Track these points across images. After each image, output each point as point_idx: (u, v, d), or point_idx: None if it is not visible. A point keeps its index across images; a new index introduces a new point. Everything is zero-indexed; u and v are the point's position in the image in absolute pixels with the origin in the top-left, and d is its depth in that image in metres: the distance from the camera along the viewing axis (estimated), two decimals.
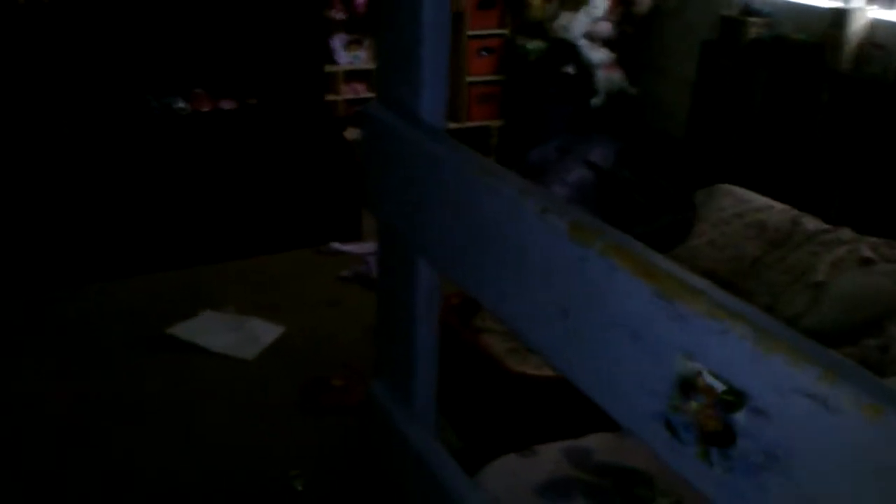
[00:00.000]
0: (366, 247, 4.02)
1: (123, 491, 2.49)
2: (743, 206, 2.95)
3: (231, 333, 3.30)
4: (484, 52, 5.04)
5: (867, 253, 2.49)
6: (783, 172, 3.84)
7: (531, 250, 0.95)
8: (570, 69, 4.76)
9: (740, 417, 0.71)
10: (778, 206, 2.92)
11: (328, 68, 4.66)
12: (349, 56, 4.80)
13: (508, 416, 2.42)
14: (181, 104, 4.11)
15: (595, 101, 4.77)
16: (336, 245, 4.12)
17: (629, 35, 4.97)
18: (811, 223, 2.77)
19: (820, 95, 3.75)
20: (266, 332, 3.33)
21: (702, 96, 4.38)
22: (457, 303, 2.74)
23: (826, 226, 2.76)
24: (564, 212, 0.91)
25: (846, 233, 2.67)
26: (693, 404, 0.76)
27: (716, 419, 0.73)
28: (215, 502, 2.45)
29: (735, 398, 0.71)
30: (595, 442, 1.94)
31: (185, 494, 2.48)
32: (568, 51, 4.76)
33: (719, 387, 0.72)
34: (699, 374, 0.74)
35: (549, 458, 1.88)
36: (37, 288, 3.59)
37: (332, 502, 2.46)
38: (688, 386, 0.76)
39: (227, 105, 4.22)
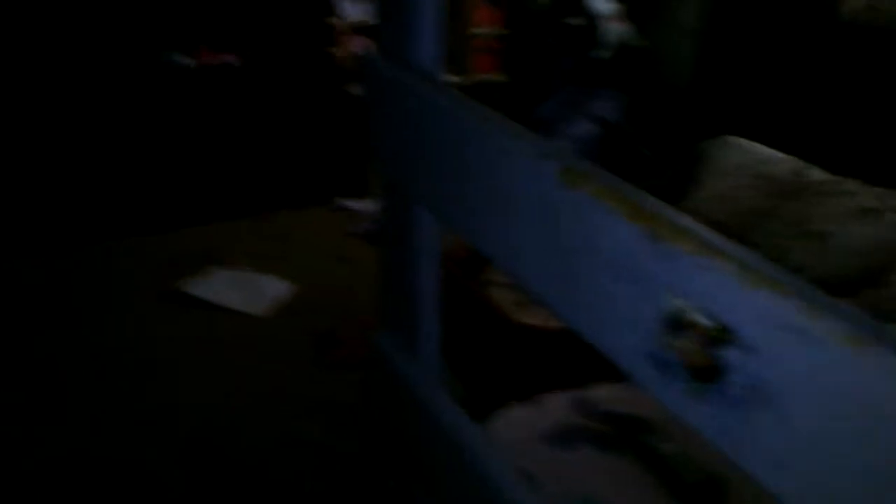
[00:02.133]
0: (373, 203, 4.03)
1: (139, 443, 2.54)
2: (748, 157, 2.94)
3: (241, 290, 3.34)
4: (488, 4, 4.98)
5: (872, 203, 2.48)
6: (790, 123, 3.81)
7: (525, 196, 0.96)
8: (575, 20, 4.70)
9: (726, 352, 0.72)
10: (783, 157, 2.90)
11: (333, 22, 4.62)
12: (354, 9, 4.75)
13: (515, 367, 2.44)
14: (186, 60, 4.09)
15: (601, 53, 4.72)
16: (343, 202, 4.13)
17: None
18: (816, 174, 2.76)
19: (829, 44, 3.70)
20: (275, 288, 3.37)
21: (709, 46, 4.33)
22: (463, 256, 2.75)
23: (831, 176, 2.74)
24: (557, 156, 0.92)
25: (852, 183, 2.66)
26: (682, 342, 0.78)
27: (702, 355, 0.75)
28: (230, 452, 2.50)
29: (720, 333, 0.72)
30: (600, 391, 1.97)
31: (203, 443, 2.53)
32: (573, 2, 4.70)
33: (707, 323, 0.74)
34: (686, 311, 0.76)
35: (556, 406, 1.91)
36: (47, 247, 3.62)
37: (340, 451, 2.51)
38: (676, 323, 0.77)
39: (230, 59, 4.20)
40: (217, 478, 2.42)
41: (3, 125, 3.61)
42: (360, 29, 4.76)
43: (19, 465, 2.43)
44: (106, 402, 2.71)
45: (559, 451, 1.81)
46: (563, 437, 1.84)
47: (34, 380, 2.80)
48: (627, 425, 1.86)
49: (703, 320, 0.73)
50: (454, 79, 5.00)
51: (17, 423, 2.60)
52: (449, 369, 1.94)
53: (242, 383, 2.82)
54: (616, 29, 4.73)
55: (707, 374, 0.76)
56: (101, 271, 3.50)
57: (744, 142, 3.07)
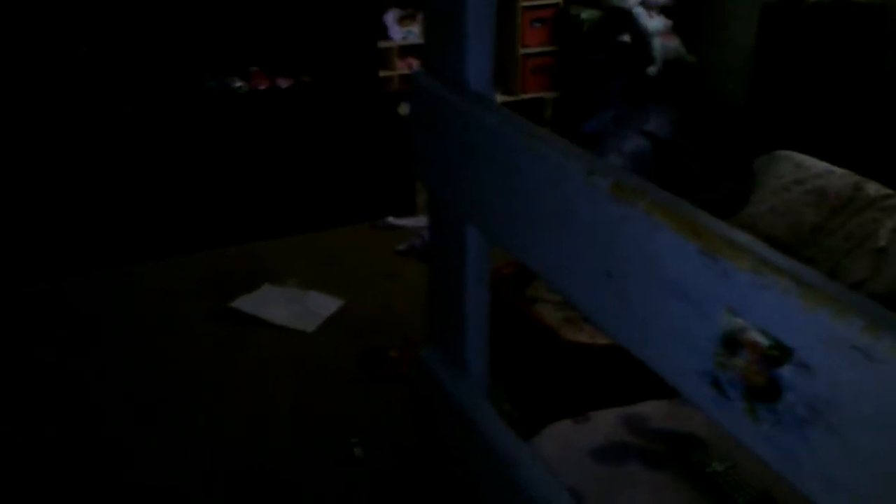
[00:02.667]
0: (421, 220, 4.05)
1: (191, 459, 2.57)
2: (803, 172, 2.89)
3: (291, 306, 3.37)
4: (537, 23, 5.00)
5: None
6: (846, 138, 3.74)
7: (576, 212, 0.95)
8: (625, 38, 4.69)
9: (785, 372, 0.71)
10: (839, 171, 2.85)
11: (382, 44, 4.67)
12: (403, 31, 4.80)
13: (563, 384, 2.43)
14: (238, 83, 4.17)
15: (651, 69, 4.69)
16: (391, 219, 4.16)
17: (686, 1, 4.87)
18: (873, 188, 2.70)
19: (884, 58, 3.63)
20: (325, 304, 3.39)
21: (762, 62, 4.28)
22: (509, 273, 2.75)
23: (888, 190, 2.69)
24: (608, 172, 0.91)
25: None
26: (738, 360, 0.76)
27: (761, 374, 0.74)
28: (279, 468, 2.52)
29: (779, 352, 0.71)
30: (650, 408, 1.94)
31: (250, 460, 2.55)
32: (623, 19, 4.69)
33: (764, 342, 0.72)
34: (744, 329, 0.74)
35: (604, 423, 1.89)
36: (102, 265, 3.70)
37: (390, 468, 2.51)
38: (733, 342, 0.76)
39: (283, 83, 4.27)
40: (264, 495, 2.44)
41: (57, 146, 3.71)
42: (408, 50, 4.80)
43: (66, 490, 2.48)
44: (155, 420, 2.75)
45: (607, 468, 1.79)
46: (611, 455, 1.82)
47: (83, 399, 2.86)
48: (677, 443, 1.83)
49: (760, 339, 0.72)
50: (505, 98, 5.02)
51: (62, 444, 2.65)
52: (497, 386, 1.93)
53: (291, 399, 2.84)
54: (666, 45, 4.71)
55: (764, 394, 0.75)
56: (152, 289, 3.56)
57: (798, 156, 3.02)
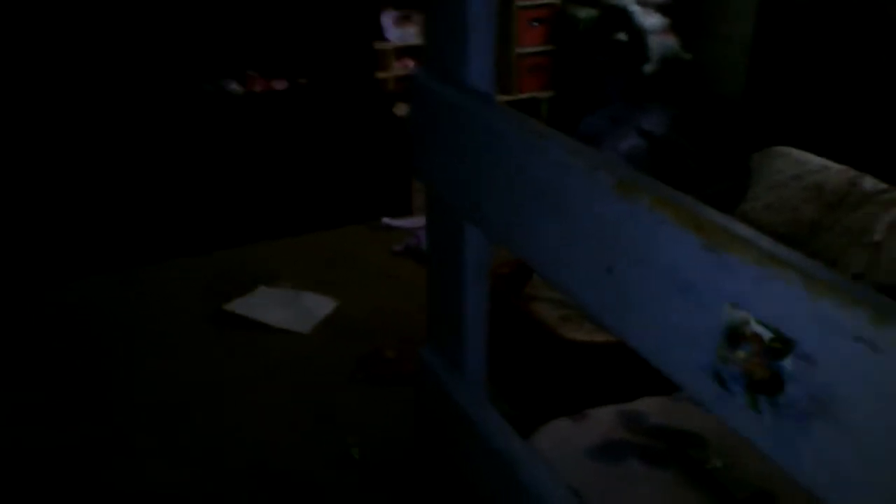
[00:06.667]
0: (416, 221, 4.05)
1: (189, 459, 2.56)
2: (800, 168, 2.90)
3: (287, 308, 3.36)
4: (534, 23, 4.99)
5: None
6: (845, 132, 3.74)
7: (579, 208, 0.95)
8: (622, 36, 4.69)
9: (788, 364, 0.71)
10: (835, 166, 2.85)
11: (378, 45, 4.66)
12: (399, 32, 4.79)
13: (561, 382, 2.43)
14: (234, 86, 4.16)
15: (648, 67, 4.69)
16: (387, 220, 4.15)
17: None
18: (869, 183, 2.71)
19: (884, 51, 3.63)
20: (321, 305, 3.39)
21: (759, 57, 4.27)
22: (507, 272, 2.75)
23: (884, 185, 2.69)
24: (612, 169, 0.91)
25: None
26: (741, 353, 0.76)
27: (763, 367, 0.74)
28: (278, 469, 2.52)
29: (782, 345, 0.71)
30: (648, 405, 1.94)
31: (248, 461, 2.54)
32: (620, 17, 4.69)
33: (766, 334, 0.72)
34: (746, 322, 0.74)
35: (602, 421, 1.89)
36: (97, 269, 3.69)
37: (388, 469, 2.50)
38: (735, 335, 0.76)
39: (279, 85, 4.26)
40: (262, 495, 2.43)
41: (53, 151, 3.69)
42: (405, 52, 4.80)
43: (64, 490, 2.46)
44: (159, 427, 2.74)
45: (606, 465, 1.79)
46: (609, 452, 1.82)
47: (84, 409, 2.84)
48: (675, 439, 1.83)
49: (762, 331, 0.72)
50: (501, 97, 5.01)
51: (71, 456, 2.63)
52: (495, 386, 1.93)
53: (288, 400, 2.83)
54: (663, 43, 4.70)
55: (766, 387, 0.75)
56: (148, 293, 3.54)
57: (795, 151, 3.03)
